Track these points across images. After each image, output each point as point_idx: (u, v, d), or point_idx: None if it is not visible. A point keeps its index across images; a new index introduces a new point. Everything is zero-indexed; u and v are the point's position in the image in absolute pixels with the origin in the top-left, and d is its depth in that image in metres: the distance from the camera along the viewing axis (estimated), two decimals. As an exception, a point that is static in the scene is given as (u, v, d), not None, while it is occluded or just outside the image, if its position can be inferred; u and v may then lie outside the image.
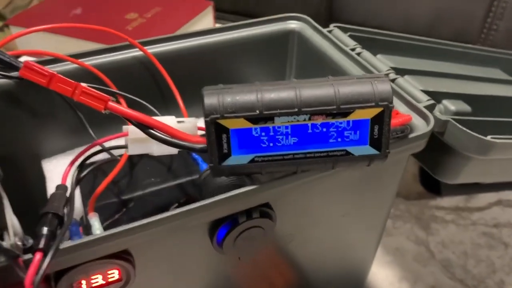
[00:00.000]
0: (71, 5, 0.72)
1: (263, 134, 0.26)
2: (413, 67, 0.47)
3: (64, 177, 0.29)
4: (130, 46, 0.39)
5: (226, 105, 0.25)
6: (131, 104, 0.36)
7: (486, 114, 0.44)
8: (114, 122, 0.33)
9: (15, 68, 0.28)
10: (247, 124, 0.26)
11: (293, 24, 0.44)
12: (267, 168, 0.27)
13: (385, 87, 0.26)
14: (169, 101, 0.40)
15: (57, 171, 0.38)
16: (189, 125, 0.33)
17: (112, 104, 0.27)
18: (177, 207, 0.28)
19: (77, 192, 0.37)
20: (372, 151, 0.27)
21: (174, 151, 0.33)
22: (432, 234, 0.53)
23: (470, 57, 0.58)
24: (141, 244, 0.27)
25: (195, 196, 0.41)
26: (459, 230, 0.54)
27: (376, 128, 0.27)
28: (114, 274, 0.28)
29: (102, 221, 0.35)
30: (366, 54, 0.42)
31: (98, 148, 0.34)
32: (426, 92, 0.37)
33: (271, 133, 0.26)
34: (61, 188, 0.28)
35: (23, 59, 0.33)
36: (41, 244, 0.23)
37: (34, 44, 0.64)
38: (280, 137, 0.26)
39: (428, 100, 0.36)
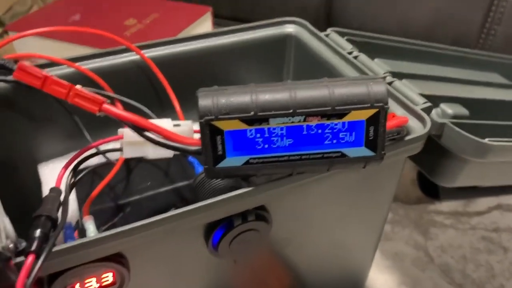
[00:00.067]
0: (70, 11, 0.72)
1: (258, 135, 0.26)
2: (410, 71, 0.47)
3: (58, 180, 0.29)
4: (127, 50, 0.39)
5: (220, 107, 0.25)
6: (128, 108, 0.36)
7: (484, 118, 0.44)
8: (111, 126, 0.33)
9: (10, 71, 0.28)
10: (241, 126, 0.26)
11: (290, 28, 0.44)
12: (262, 170, 0.27)
13: (380, 88, 0.26)
14: (166, 105, 0.40)
15: (53, 175, 0.38)
16: (185, 128, 0.33)
17: (106, 106, 0.27)
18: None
19: (73, 196, 0.37)
20: (368, 152, 0.27)
21: (169, 154, 0.33)
22: (431, 239, 0.53)
23: (468, 61, 0.58)
24: (135, 246, 0.27)
25: (192, 200, 0.41)
26: (458, 235, 0.54)
27: (371, 129, 0.26)
28: (108, 277, 0.27)
29: (99, 226, 0.35)
30: (363, 57, 0.42)
31: (93, 151, 0.34)
32: (424, 96, 0.37)
33: (266, 135, 0.26)
34: (54, 191, 0.28)
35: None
36: (34, 246, 0.23)
37: (32, 50, 0.64)
38: (275, 138, 0.26)
39: (425, 102, 0.36)
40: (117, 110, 0.27)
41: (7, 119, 0.37)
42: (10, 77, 0.34)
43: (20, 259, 0.23)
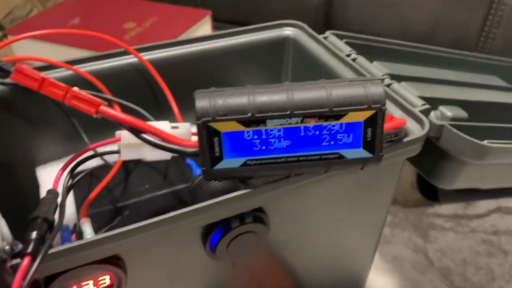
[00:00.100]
0: (69, 15, 0.72)
1: (255, 137, 0.26)
2: (409, 74, 0.47)
3: (55, 182, 0.29)
4: (125, 53, 0.39)
5: (217, 108, 0.25)
6: (126, 111, 0.36)
7: (483, 120, 0.44)
8: (109, 129, 0.33)
9: (7, 73, 0.28)
10: (239, 127, 0.26)
11: (288, 31, 0.44)
12: (259, 171, 0.27)
13: (377, 90, 0.26)
14: (164, 107, 0.40)
15: (51, 178, 0.38)
16: (183, 131, 0.33)
17: (103, 108, 0.27)
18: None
19: (71, 199, 0.37)
20: (366, 154, 0.27)
21: (167, 156, 0.33)
22: (431, 242, 0.53)
23: (467, 64, 0.58)
24: (132, 249, 0.27)
25: (191, 203, 0.40)
26: (458, 238, 0.53)
27: (369, 130, 0.26)
28: (106, 280, 0.27)
29: (97, 229, 0.34)
30: (362, 60, 0.42)
31: (90, 153, 0.34)
32: (422, 98, 0.37)
33: (263, 136, 0.26)
34: (51, 192, 0.28)
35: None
36: (30, 248, 0.23)
37: (31, 53, 0.64)
38: (273, 140, 0.26)
39: (423, 104, 0.36)
40: (114, 112, 0.27)
41: (5, 121, 0.36)
42: (8, 80, 0.34)
43: (16, 261, 0.23)
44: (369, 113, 0.26)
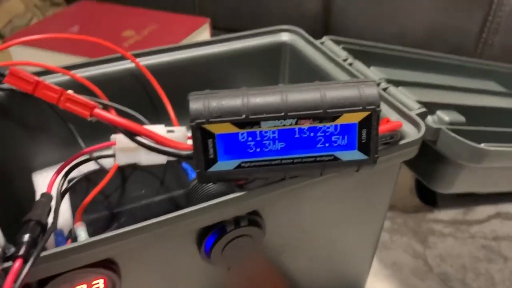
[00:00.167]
0: (68, 24, 0.72)
1: (249, 139, 0.26)
2: (407, 79, 0.47)
3: (50, 186, 0.29)
4: (122, 58, 0.40)
5: (211, 110, 0.25)
6: (122, 115, 0.36)
7: (481, 125, 0.44)
8: (105, 134, 0.33)
9: (2, 76, 0.28)
10: (233, 129, 0.26)
11: (285, 36, 0.45)
12: (254, 174, 0.27)
13: (371, 91, 0.26)
14: (161, 112, 0.40)
15: (47, 183, 0.38)
16: (179, 134, 0.33)
17: (97, 111, 0.27)
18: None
19: (67, 205, 0.37)
20: (361, 156, 0.27)
21: (162, 160, 0.33)
22: (430, 248, 0.52)
23: (464, 69, 0.58)
24: (126, 252, 0.26)
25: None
26: (458, 243, 0.53)
27: (364, 132, 0.26)
28: (99, 284, 0.27)
29: (93, 235, 0.34)
30: (358, 64, 0.42)
31: (85, 157, 0.34)
32: (420, 103, 0.37)
33: (258, 138, 0.26)
34: (45, 196, 0.28)
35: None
36: (22, 251, 0.23)
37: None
38: (267, 142, 0.26)
39: (420, 108, 0.36)
40: (109, 115, 0.27)
41: (1, 127, 0.36)
42: (4, 85, 0.34)
43: (7, 264, 0.23)
44: (363, 114, 0.26)
